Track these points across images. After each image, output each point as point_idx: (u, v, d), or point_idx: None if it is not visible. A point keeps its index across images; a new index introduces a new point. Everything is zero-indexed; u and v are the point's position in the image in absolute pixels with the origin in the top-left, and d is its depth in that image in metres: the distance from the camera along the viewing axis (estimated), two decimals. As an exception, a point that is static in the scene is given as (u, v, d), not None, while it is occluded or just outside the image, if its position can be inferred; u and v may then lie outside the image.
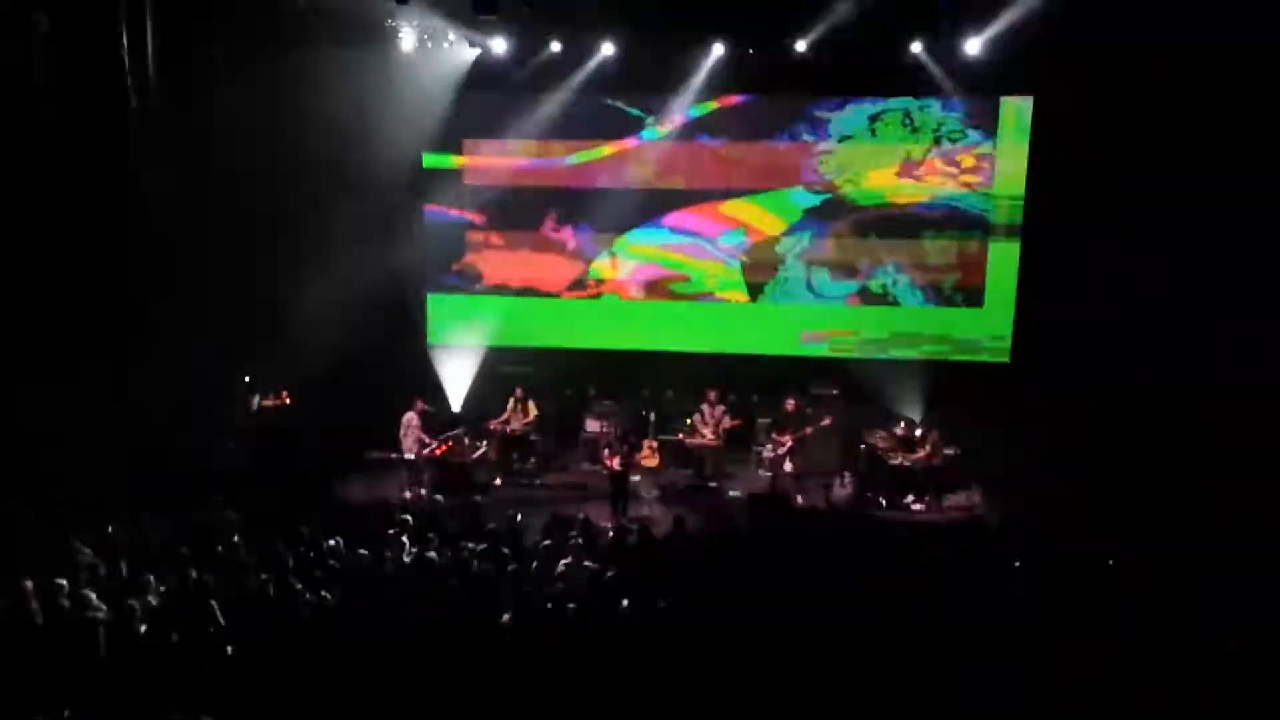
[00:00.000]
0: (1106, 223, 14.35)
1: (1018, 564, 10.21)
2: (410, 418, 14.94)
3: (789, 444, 14.76)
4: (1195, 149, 13.73)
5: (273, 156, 15.22)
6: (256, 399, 15.39)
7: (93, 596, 9.12)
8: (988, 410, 15.19)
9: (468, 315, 17.55)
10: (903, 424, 15.43)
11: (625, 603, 9.19)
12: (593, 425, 16.43)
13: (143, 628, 8.82)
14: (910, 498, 14.80)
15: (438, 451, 15.08)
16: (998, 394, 15.65)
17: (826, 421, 14.98)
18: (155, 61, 13.60)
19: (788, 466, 14.76)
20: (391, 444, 15.13)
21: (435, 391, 16.52)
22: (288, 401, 15.45)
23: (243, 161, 14.81)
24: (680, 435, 15.65)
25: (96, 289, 13.37)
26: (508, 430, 15.88)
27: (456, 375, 17.01)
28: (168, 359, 13.92)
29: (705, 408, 15.58)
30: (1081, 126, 14.72)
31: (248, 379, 15.35)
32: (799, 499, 14.56)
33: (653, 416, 15.55)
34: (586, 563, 10.91)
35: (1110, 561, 10.06)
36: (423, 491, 14.67)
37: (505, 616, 8.94)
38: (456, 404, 16.77)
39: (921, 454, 14.89)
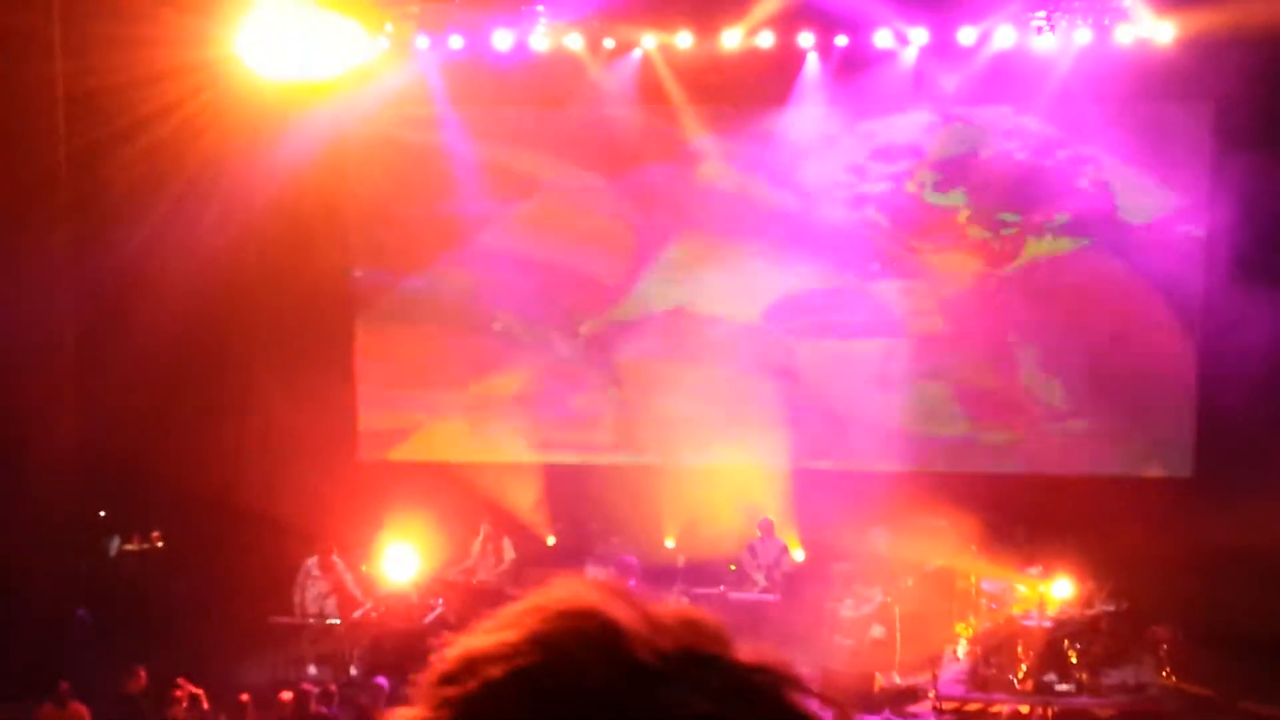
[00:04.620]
0: None
1: None
2: (310, 564, 11.32)
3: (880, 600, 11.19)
4: None
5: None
6: (116, 542, 11.69)
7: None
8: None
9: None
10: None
11: None
12: (596, 571, 12.26)
13: None
14: (1053, 675, 10.83)
15: (372, 615, 11.33)
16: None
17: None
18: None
19: (876, 631, 11.13)
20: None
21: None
22: (159, 544, 11.68)
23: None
24: (721, 587, 11.92)
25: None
26: (473, 580, 12.16)
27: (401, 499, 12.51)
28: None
29: (756, 543, 12.12)
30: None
31: (101, 514, 11.40)
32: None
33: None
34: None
35: None
36: (352, 671, 11.09)
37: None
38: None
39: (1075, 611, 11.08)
